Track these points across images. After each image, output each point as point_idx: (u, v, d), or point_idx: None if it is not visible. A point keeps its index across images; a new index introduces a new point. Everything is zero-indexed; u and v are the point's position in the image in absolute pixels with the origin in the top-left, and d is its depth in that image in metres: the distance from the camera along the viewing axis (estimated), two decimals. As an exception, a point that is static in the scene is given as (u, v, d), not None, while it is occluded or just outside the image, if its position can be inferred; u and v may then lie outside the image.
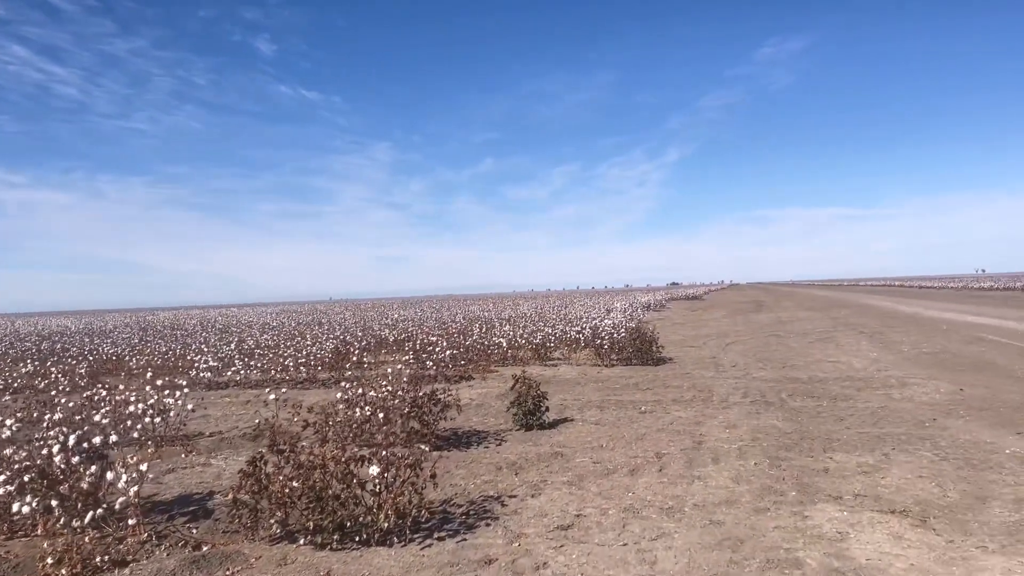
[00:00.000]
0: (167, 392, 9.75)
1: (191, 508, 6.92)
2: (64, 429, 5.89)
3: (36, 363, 18.23)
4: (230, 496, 5.75)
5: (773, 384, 13.83)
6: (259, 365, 16.87)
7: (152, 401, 9.55)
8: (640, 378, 15.54)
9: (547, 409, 10.46)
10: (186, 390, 9.79)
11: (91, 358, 20.24)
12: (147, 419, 9.39)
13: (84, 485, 5.87)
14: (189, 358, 17.73)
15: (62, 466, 5.82)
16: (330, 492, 5.59)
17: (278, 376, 16.23)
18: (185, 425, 10.37)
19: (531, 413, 10.22)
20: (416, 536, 5.92)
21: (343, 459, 5.70)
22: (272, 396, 9.50)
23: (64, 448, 5.78)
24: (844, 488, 6.93)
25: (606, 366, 17.84)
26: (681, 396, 12.90)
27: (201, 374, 15.92)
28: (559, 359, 19.43)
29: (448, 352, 15.54)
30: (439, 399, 9.45)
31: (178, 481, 8.05)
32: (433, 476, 5.99)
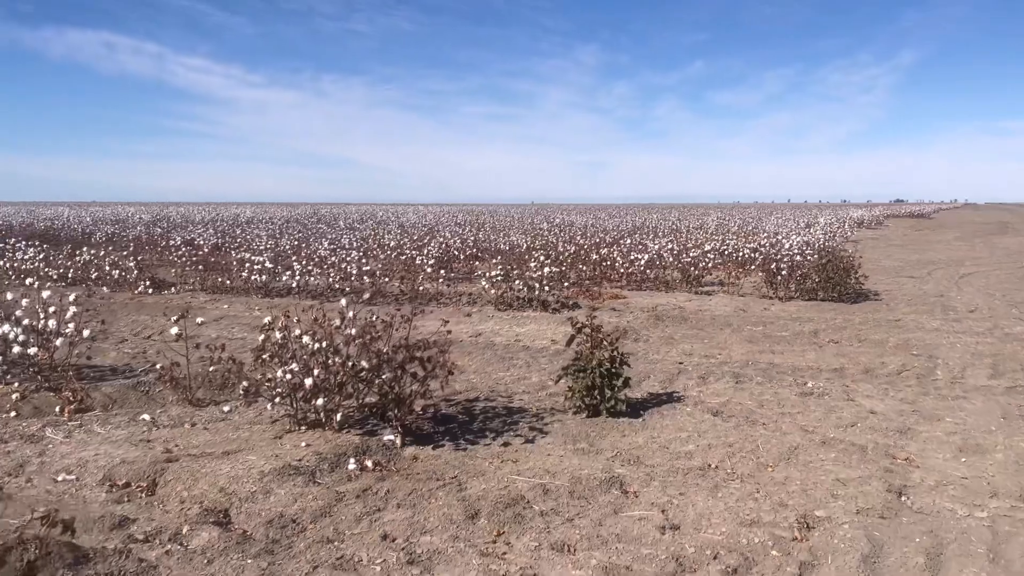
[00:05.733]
0: (53, 308, 6.49)
1: None
2: None
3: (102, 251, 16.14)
4: None
5: (1047, 352, 8.49)
6: (319, 271, 13.65)
7: (27, 321, 6.40)
8: (822, 322, 10.57)
9: (626, 383, 6.11)
10: (74, 308, 6.47)
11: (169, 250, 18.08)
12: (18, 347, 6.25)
13: None
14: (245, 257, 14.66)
15: None
16: None
17: (337, 286, 12.90)
18: (88, 355, 7.11)
19: (596, 389, 5.96)
20: None
21: None
22: (176, 324, 5.79)
23: None
24: None
25: (780, 299, 12.90)
26: (881, 362, 8.01)
27: (253, 277, 12.98)
28: (716, 286, 14.53)
29: (545, 270, 11.35)
30: (425, 357, 5.43)
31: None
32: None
